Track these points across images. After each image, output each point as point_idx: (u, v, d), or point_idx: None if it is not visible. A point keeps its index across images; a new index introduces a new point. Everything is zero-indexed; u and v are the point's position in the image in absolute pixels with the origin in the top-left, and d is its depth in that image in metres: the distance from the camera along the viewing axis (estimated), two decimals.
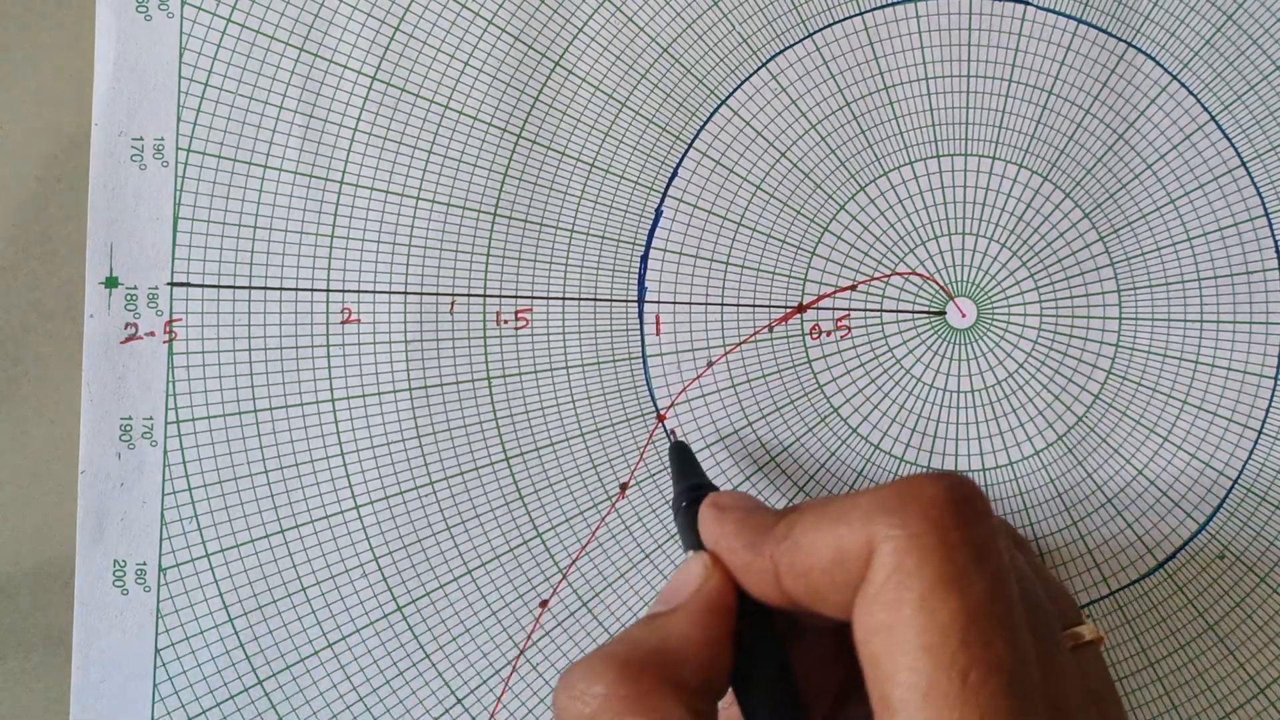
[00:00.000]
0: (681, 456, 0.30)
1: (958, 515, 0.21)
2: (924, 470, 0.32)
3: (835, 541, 0.21)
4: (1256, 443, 0.32)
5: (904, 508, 0.21)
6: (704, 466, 0.32)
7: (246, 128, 0.32)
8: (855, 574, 0.21)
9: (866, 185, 0.32)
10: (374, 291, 0.32)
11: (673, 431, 0.32)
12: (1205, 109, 0.32)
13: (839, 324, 0.32)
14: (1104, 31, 0.32)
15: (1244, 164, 0.32)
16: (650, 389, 0.32)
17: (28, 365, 0.32)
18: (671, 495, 0.31)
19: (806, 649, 0.24)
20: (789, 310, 0.32)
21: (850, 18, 0.32)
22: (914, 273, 0.32)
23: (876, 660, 0.20)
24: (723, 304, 0.32)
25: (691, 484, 0.28)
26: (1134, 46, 0.32)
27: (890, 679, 0.20)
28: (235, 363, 0.32)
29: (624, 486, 0.32)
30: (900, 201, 0.32)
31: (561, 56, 0.32)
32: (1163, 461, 0.32)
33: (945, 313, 0.32)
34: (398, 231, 0.32)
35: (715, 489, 0.27)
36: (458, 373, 0.32)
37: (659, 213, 0.32)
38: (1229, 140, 0.32)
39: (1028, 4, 0.32)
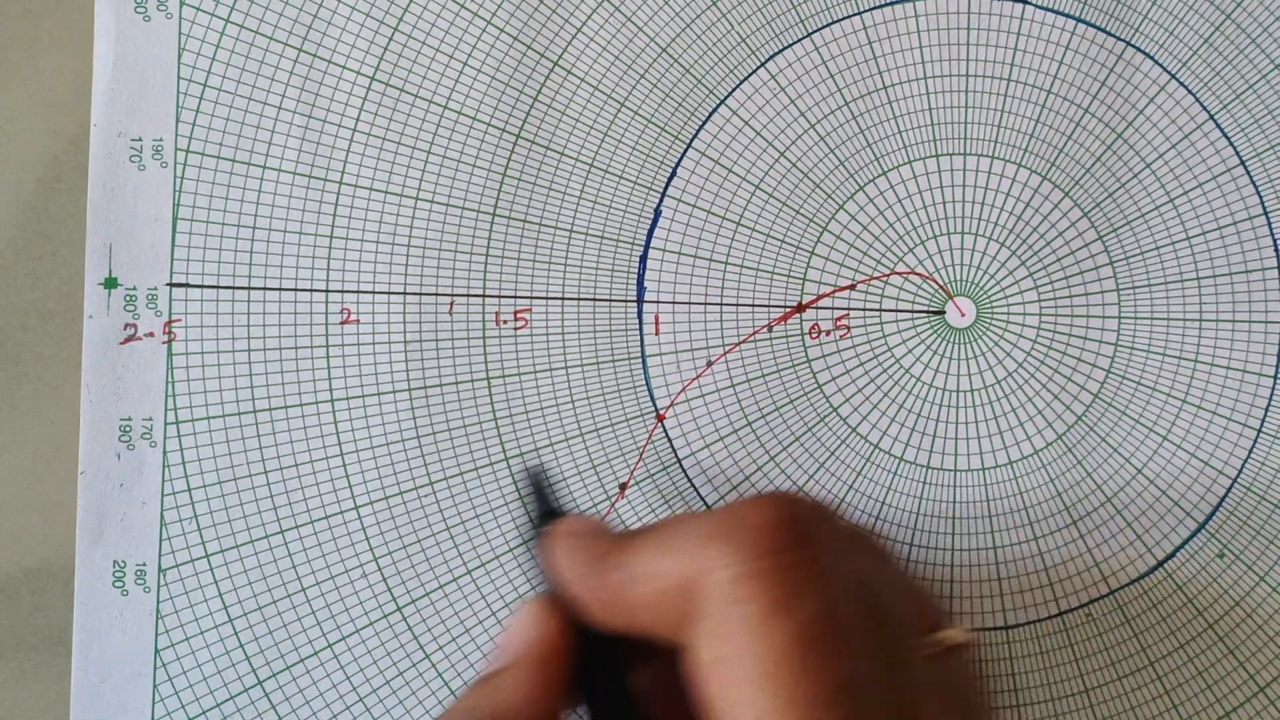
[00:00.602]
0: (537, 482, 0.29)
1: (786, 539, 0.20)
2: (919, 467, 0.32)
3: (668, 573, 0.21)
4: (1256, 441, 0.32)
5: (731, 536, 0.20)
6: (703, 466, 0.32)
7: (245, 128, 0.32)
8: (689, 606, 0.21)
9: (865, 185, 0.32)
10: (373, 292, 0.32)
11: (527, 456, 0.31)
12: (1204, 108, 0.32)
13: (838, 323, 0.32)
14: (1103, 30, 0.32)
15: (1243, 163, 0.32)
16: (650, 389, 0.32)
17: (28, 365, 0.32)
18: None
19: (663, 669, 0.24)
20: (788, 310, 0.32)
21: (849, 17, 0.32)
22: (913, 272, 0.32)
23: (713, 696, 0.20)
24: (722, 304, 0.32)
25: (547, 512, 0.27)
26: (1133, 45, 0.32)
27: (729, 713, 0.19)
28: (235, 363, 0.32)
29: (624, 486, 0.32)
30: (899, 201, 0.32)
31: (560, 56, 0.32)
32: (1162, 460, 0.32)
33: (945, 312, 0.32)
34: (397, 232, 0.32)
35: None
36: (457, 373, 0.32)
37: (658, 212, 0.32)
38: (1228, 139, 0.32)
39: (1026, 3, 0.32)
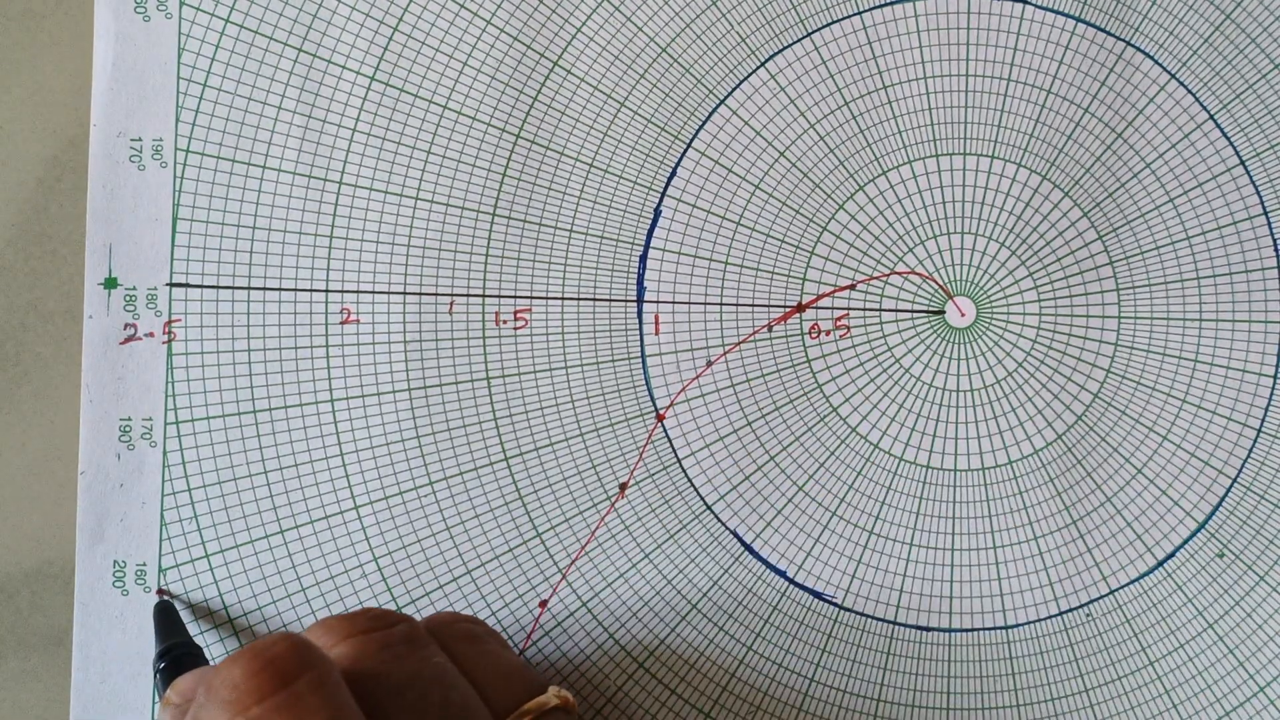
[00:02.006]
0: (164, 616, 0.30)
1: (258, 689, 0.21)
2: (919, 467, 0.32)
3: None
4: (1256, 441, 0.32)
5: (211, 699, 0.22)
6: (704, 466, 0.32)
7: (245, 128, 0.32)
8: None
9: (865, 184, 0.32)
10: (373, 292, 0.32)
11: (160, 590, 0.31)
12: (1204, 107, 0.32)
13: (838, 323, 0.32)
14: (1103, 30, 0.32)
15: (1243, 162, 0.32)
16: (650, 389, 0.32)
17: (28, 365, 0.32)
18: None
19: None
20: (788, 310, 0.32)
21: (849, 17, 0.32)
22: (913, 272, 0.32)
23: None
24: (722, 304, 0.32)
25: (167, 646, 0.29)
26: (1133, 45, 0.32)
27: None
28: (235, 363, 0.32)
29: (624, 486, 0.32)
30: (899, 201, 0.32)
31: (560, 56, 0.32)
32: (1162, 460, 0.32)
33: (944, 312, 0.32)
34: (397, 232, 0.32)
35: (196, 650, 0.29)
36: (457, 373, 0.32)
37: (658, 212, 0.32)
38: (1228, 139, 0.32)
39: (1026, 3, 0.32)
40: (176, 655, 0.29)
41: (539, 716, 0.26)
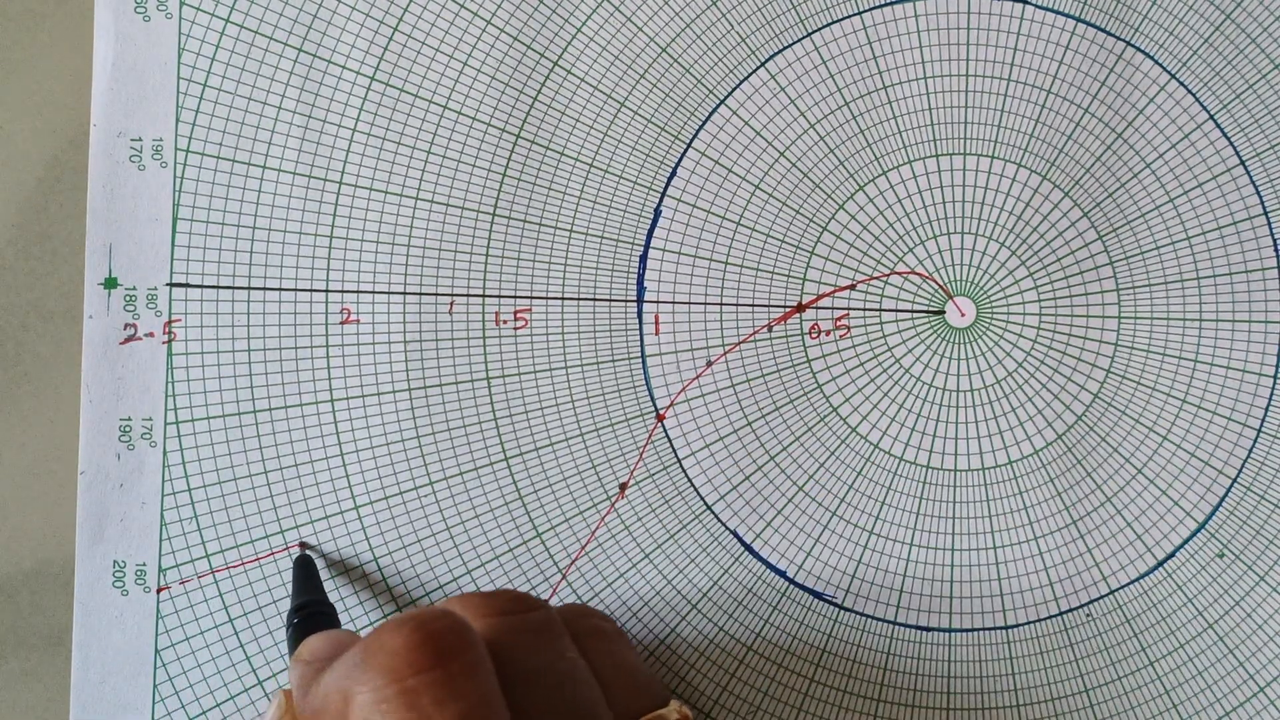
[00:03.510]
0: (304, 571, 0.30)
1: (418, 661, 0.21)
2: (919, 467, 0.32)
3: (334, 698, 0.22)
4: (1256, 441, 0.32)
5: (367, 662, 0.22)
6: (704, 466, 0.32)
7: (245, 128, 0.32)
8: None
9: (865, 185, 0.32)
10: (373, 292, 0.32)
11: (303, 544, 0.31)
12: (1204, 108, 0.32)
13: (838, 323, 0.32)
14: (1103, 30, 0.32)
15: (1243, 162, 0.32)
16: (650, 389, 0.32)
17: (27, 365, 0.32)
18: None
19: None
20: (788, 310, 0.32)
21: (849, 17, 0.32)
22: (913, 272, 0.32)
23: None
24: (722, 304, 0.32)
25: (303, 602, 0.29)
26: (1133, 45, 0.32)
27: None
28: (235, 363, 0.32)
29: (624, 486, 0.32)
30: (899, 201, 0.32)
31: (560, 56, 0.32)
32: (1162, 460, 0.32)
33: (944, 312, 0.32)
34: (397, 232, 0.32)
35: (330, 610, 0.29)
36: (457, 373, 0.32)
37: (658, 212, 0.32)
38: (1228, 139, 0.32)
39: (1026, 3, 0.32)
40: (311, 613, 0.28)
41: None
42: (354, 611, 0.32)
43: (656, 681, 0.27)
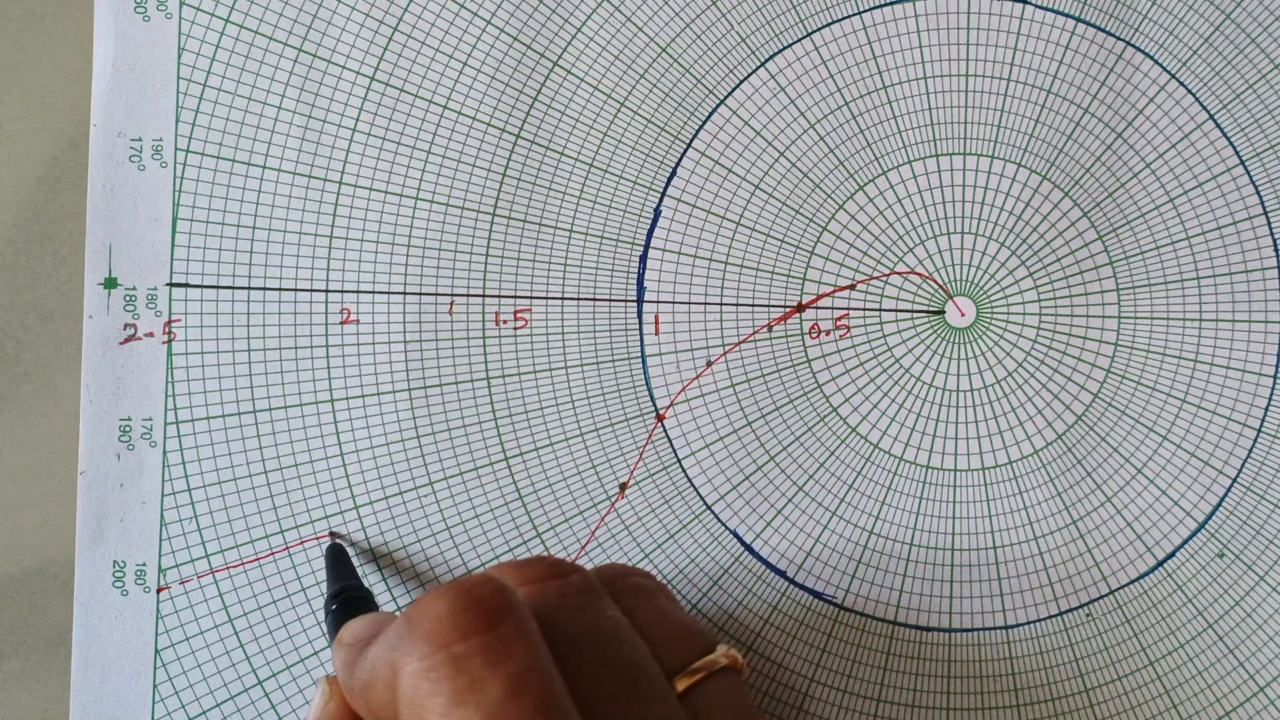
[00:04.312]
0: (336, 559, 0.30)
1: (463, 627, 0.21)
2: (919, 467, 0.32)
3: (382, 669, 0.22)
4: (1256, 441, 0.32)
5: (412, 632, 0.21)
6: (704, 466, 0.32)
7: (245, 128, 0.32)
8: (396, 699, 0.22)
9: (865, 184, 0.32)
10: (373, 292, 0.32)
11: (333, 534, 0.32)
12: (1204, 108, 0.32)
13: (838, 323, 0.32)
14: (1103, 30, 0.32)
15: (1243, 162, 0.32)
16: (650, 389, 0.32)
17: (27, 365, 0.32)
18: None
19: None
20: (788, 310, 0.32)
21: (849, 17, 0.32)
22: (913, 272, 0.32)
23: None
24: (722, 303, 0.32)
25: (339, 588, 0.29)
26: (1133, 45, 0.32)
27: None
28: (234, 363, 0.32)
29: (624, 486, 0.32)
30: (899, 201, 0.32)
31: (560, 56, 0.32)
32: (1162, 460, 0.32)
33: (944, 312, 0.32)
34: (397, 232, 0.32)
35: (366, 594, 0.29)
36: (457, 373, 0.32)
37: (658, 212, 0.32)
38: (1227, 139, 0.32)
39: (1026, 3, 0.32)
40: (348, 598, 0.28)
41: (709, 675, 0.25)
42: None
43: (702, 629, 0.27)
